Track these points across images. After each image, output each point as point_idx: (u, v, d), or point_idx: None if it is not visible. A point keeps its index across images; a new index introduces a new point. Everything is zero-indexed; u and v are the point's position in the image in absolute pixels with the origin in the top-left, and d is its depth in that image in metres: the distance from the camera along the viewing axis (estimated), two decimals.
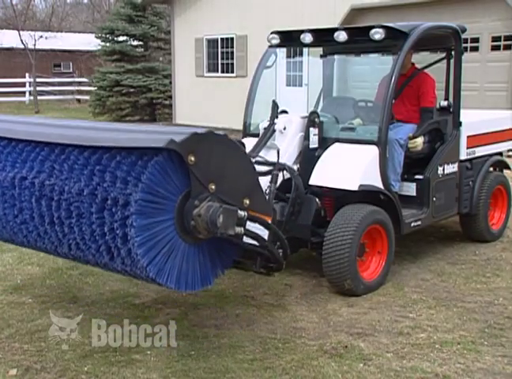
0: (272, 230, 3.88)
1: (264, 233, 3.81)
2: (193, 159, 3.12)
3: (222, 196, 3.32)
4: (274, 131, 4.91)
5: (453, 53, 5.66)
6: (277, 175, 4.54)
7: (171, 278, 3.19)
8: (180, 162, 3.13)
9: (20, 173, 3.59)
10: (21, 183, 3.57)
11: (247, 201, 3.49)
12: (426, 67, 5.78)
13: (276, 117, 4.96)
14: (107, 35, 21.16)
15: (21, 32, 26.48)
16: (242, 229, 3.44)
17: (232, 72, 16.84)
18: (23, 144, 3.69)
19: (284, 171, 4.66)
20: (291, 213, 4.63)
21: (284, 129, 4.89)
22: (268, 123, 4.98)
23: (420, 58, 5.95)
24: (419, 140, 5.28)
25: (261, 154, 4.76)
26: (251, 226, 3.62)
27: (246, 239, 3.63)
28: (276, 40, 5.60)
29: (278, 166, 4.57)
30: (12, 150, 3.74)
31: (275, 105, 5.00)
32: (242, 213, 3.40)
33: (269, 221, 3.76)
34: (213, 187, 3.29)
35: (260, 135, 5.00)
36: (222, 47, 17.05)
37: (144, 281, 3.44)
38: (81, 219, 3.26)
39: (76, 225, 3.29)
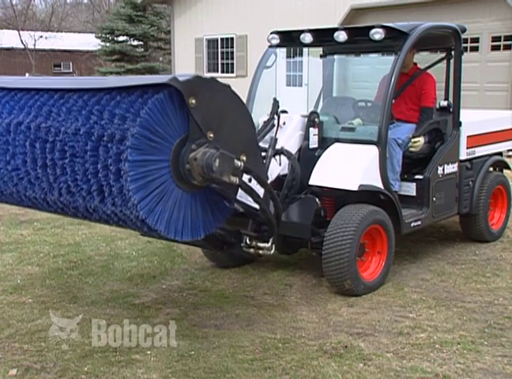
0: (267, 188, 3.84)
1: (258, 191, 3.79)
2: (193, 101, 3.14)
3: (219, 146, 3.30)
4: (273, 126, 4.91)
5: (453, 53, 5.66)
6: (276, 140, 4.58)
7: (161, 221, 3.15)
8: (181, 104, 3.14)
9: (16, 118, 3.58)
10: (16, 128, 3.56)
11: (244, 158, 3.48)
12: (428, 67, 5.79)
13: (277, 114, 4.96)
14: (107, 35, 21.21)
15: (21, 32, 26.53)
16: (238, 179, 3.43)
17: (232, 72, 16.86)
18: (22, 93, 3.69)
19: (282, 155, 4.67)
20: (285, 195, 4.63)
21: (284, 124, 4.90)
22: (267, 117, 4.98)
23: (420, 58, 5.95)
24: (421, 140, 5.29)
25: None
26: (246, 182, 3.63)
27: (239, 197, 3.62)
28: (276, 40, 5.61)
29: (276, 144, 4.60)
30: (10, 99, 3.74)
31: (276, 102, 5.00)
32: (238, 163, 3.40)
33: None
34: (212, 135, 3.29)
35: (259, 128, 5.00)
36: (222, 47, 17.07)
37: (133, 228, 3.36)
38: (75, 159, 3.23)
39: (69, 165, 3.26)
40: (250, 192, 3.69)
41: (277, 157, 4.67)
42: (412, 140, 5.25)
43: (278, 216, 4.13)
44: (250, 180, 3.68)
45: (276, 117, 4.91)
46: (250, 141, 3.61)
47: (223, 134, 3.35)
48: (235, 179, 3.39)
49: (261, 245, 4.31)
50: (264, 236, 4.25)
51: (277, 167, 4.67)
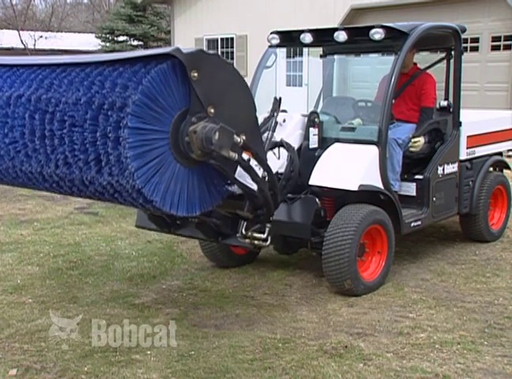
0: (265, 167, 3.80)
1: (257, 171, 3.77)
2: (196, 74, 3.15)
3: (219, 122, 3.30)
4: (273, 123, 4.90)
5: (453, 53, 5.66)
6: (276, 123, 4.62)
7: (157, 192, 3.13)
8: (183, 77, 3.14)
9: (17, 91, 3.57)
10: (17, 101, 3.54)
11: (244, 137, 3.47)
12: (428, 67, 5.79)
13: (277, 111, 4.94)
14: (107, 35, 21.18)
15: (21, 32, 26.47)
16: (237, 155, 3.41)
17: None
18: (24, 69, 3.69)
19: (281, 148, 4.66)
20: (283, 186, 4.61)
21: (284, 121, 4.89)
22: (268, 114, 4.97)
23: (420, 58, 5.95)
24: (421, 140, 5.29)
25: None
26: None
27: (238, 176, 3.60)
28: (276, 40, 5.61)
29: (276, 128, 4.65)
30: (12, 74, 3.73)
31: (276, 100, 4.99)
32: (237, 138, 3.38)
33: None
34: (212, 111, 3.29)
35: (259, 124, 4.98)
36: (222, 47, 17.06)
37: (128, 201, 3.31)
38: (74, 128, 3.21)
39: (67, 135, 3.24)
40: (249, 170, 3.64)
41: (276, 150, 4.65)
42: (412, 140, 5.25)
43: (276, 198, 4.06)
44: (248, 160, 3.64)
45: (276, 114, 4.90)
46: (250, 121, 3.60)
47: (223, 111, 3.34)
48: (233, 155, 3.38)
49: (256, 235, 4.22)
50: (260, 220, 4.18)
51: (276, 163, 4.63)
